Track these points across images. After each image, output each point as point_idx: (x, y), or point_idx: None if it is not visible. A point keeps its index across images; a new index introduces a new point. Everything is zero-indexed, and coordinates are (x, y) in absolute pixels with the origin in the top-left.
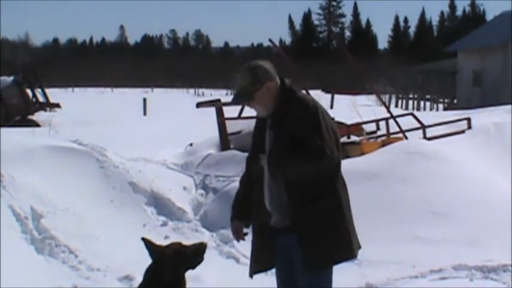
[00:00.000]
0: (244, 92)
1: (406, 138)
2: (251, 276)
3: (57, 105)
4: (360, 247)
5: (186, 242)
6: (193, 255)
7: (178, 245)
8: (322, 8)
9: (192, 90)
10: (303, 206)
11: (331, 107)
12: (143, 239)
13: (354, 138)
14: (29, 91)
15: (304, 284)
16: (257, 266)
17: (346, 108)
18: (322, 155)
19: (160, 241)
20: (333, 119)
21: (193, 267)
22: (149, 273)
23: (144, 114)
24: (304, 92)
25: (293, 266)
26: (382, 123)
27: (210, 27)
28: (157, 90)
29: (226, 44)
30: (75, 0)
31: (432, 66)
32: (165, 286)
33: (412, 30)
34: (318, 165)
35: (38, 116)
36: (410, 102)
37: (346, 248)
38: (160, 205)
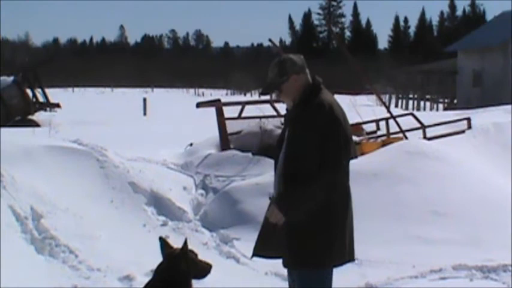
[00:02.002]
0: (271, 83)
1: (406, 138)
2: (251, 257)
3: (57, 105)
4: (351, 259)
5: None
6: (200, 266)
7: (189, 249)
8: (322, 8)
9: (192, 90)
10: (298, 207)
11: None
12: (161, 238)
13: (354, 138)
14: (29, 91)
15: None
16: (259, 250)
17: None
18: (334, 165)
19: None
20: None
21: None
22: (161, 270)
23: (144, 114)
24: (329, 94)
25: None
26: (382, 123)
27: (210, 27)
28: (157, 90)
29: (226, 44)
30: (75, 0)
31: (432, 66)
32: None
33: (412, 30)
34: (330, 175)
35: (38, 116)
36: (410, 102)
37: (336, 253)
38: (160, 205)
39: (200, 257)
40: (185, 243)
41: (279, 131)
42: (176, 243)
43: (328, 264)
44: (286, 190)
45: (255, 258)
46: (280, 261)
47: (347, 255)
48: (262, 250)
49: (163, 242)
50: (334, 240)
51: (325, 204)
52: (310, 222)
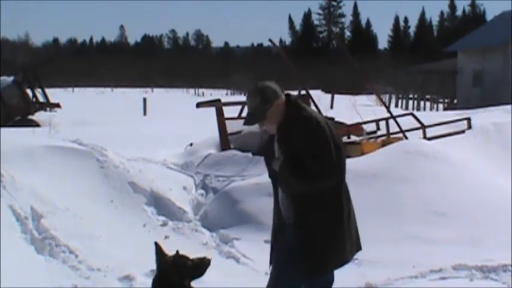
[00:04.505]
0: (256, 112)
1: (406, 138)
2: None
3: (57, 105)
4: (359, 249)
5: (187, 242)
6: (195, 268)
7: (180, 257)
8: (322, 8)
9: (192, 90)
10: (304, 217)
11: (331, 107)
12: (156, 244)
13: (354, 138)
14: (29, 91)
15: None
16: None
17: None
18: (323, 173)
19: (160, 241)
20: (332, 119)
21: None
22: (155, 283)
23: (144, 114)
24: (308, 108)
25: (293, 258)
26: (382, 123)
27: (210, 27)
28: (157, 90)
29: (226, 44)
30: (75, 0)
31: (432, 66)
32: None
33: (412, 30)
34: (318, 185)
35: (38, 116)
36: (410, 102)
37: (340, 256)
38: (160, 205)
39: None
40: (176, 254)
41: None
42: (176, 243)
43: (342, 264)
44: (297, 209)
45: (255, 258)
46: None
47: (355, 248)
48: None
49: (158, 249)
50: (344, 242)
51: (330, 211)
52: (319, 232)
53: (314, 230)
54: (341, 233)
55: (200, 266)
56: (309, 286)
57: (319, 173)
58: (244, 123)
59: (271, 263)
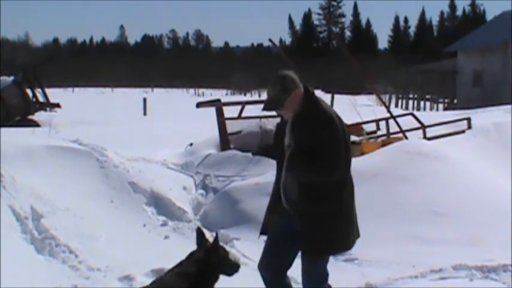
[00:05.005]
0: (275, 100)
1: (406, 138)
2: (259, 236)
3: (57, 105)
4: (358, 236)
5: (187, 242)
6: (229, 267)
7: (220, 246)
8: (322, 8)
9: (192, 90)
10: (310, 204)
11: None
12: (199, 228)
13: (354, 138)
14: (29, 91)
15: (304, 264)
16: (265, 228)
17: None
18: (331, 169)
19: (160, 241)
20: None
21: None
22: (194, 259)
23: (144, 114)
24: (323, 101)
25: (288, 241)
26: (382, 123)
27: (210, 27)
28: (157, 90)
29: (226, 44)
30: (75, 0)
31: (432, 66)
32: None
33: (412, 30)
34: (327, 177)
35: (38, 116)
36: (410, 102)
37: (341, 243)
38: (160, 205)
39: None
40: (216, 238)
41: None
42: (176, 243)
43: (347, 248)
44: (303, 196)
45: (255, 258)
46: None
47: (356, 235)
48: (265, 229)
49: (201, 233)
50: (350, 227)
51: (338, 198)
52: (328, 214)
53: (321, 211)
54: (347, 218)
55: (233, 266)
56: (307, 273)
57: (328, 166)
58: (263, 109)
59: (262, 233)
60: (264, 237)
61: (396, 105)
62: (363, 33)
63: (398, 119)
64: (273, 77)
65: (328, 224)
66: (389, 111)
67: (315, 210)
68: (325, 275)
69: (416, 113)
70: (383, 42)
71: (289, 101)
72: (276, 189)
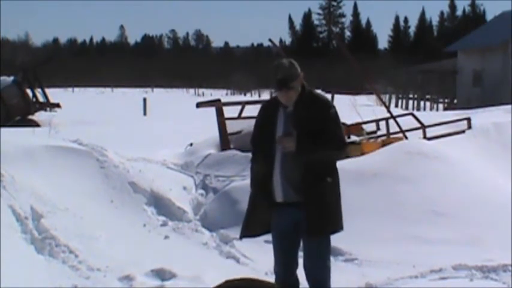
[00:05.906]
0: (288, 78)
1: (406, 138)
2: (241, 238)
3: (57, 105)
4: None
5: (187, 242)
6: None
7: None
8: (322, 8)
9: (192, 90)
10: (314, 183)
11: None
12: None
13: (354, 138)
14: (29, 91)
15: (309, 246)
16: (247, 231)
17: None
18: (343, 144)
19: (160, 241)
20: None
21: None
22: None
23: (144, 114)
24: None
25: (296, 235)
26: (382, 123)
27: (210, 27)
28: (157, 90)
29: (226, 44)
30: (75, 0)
31: (432, 66)
32: None
33: (412, 30)
34: (340, 152)
35: (38, 116)
36: (410, 102)
37: (340, 220)
38: (160, 205)
39: (202, 257)
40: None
41: None
42: (176, 243)
43: (335, 232)
44: (308, 176)
45: (255, 258)
46: None
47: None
48: (251, 230)
49: None
50: (340, 212)
51: (336, 177)
52: (331, 194)
53: (325, 189)
54: (339, 198)
55: None
56: (311, 256)
57: (341, 141)
58: (279, 85)
59: (243, 235)
60: (264, 238)
61: (396, 105)
62: (363, 33)
63: (398, 119)
64: (284, 60)
65: (330, 200)
66: (389, 111)
67: (319, 188)
68: (329, 254)
69: (416, 113)
70: (383, 42)
71: (296, 83)
72: (263, 185)
